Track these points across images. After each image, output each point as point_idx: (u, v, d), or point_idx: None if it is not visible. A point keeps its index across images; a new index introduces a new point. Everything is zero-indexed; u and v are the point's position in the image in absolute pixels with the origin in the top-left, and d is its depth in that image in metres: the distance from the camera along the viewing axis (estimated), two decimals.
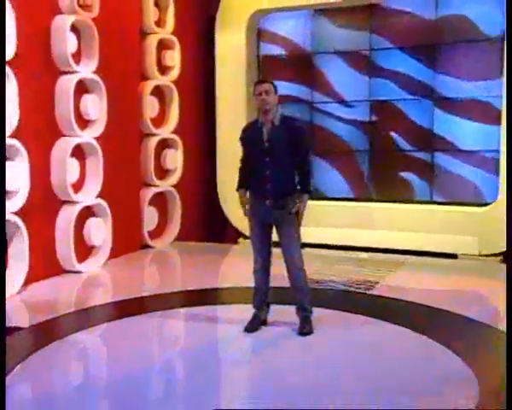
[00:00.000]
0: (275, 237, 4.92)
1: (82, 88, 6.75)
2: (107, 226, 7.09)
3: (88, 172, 6.94)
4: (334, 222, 7.89)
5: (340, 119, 8.42)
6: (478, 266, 7.35)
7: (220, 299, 6.17)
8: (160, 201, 8.19)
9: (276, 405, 3.78)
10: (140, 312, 5.50)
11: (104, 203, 7.01)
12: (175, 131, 8.29)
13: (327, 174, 8.46)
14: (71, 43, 6.53)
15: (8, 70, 5.76)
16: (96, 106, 6.86)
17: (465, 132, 7.84)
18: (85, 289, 6.60)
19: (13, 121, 5.87)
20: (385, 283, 6.45)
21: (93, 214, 6.99)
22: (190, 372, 4.42)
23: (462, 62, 7.77)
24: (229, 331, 5.11)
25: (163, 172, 8.24)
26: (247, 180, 4.93)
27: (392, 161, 8.31)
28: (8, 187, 5.86)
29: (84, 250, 6.92)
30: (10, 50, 5.80)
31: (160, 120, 8.14)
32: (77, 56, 6.69)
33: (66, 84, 6.52)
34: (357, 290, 6.16)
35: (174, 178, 8.34)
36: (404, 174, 8.22)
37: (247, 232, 8.50)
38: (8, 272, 5.98)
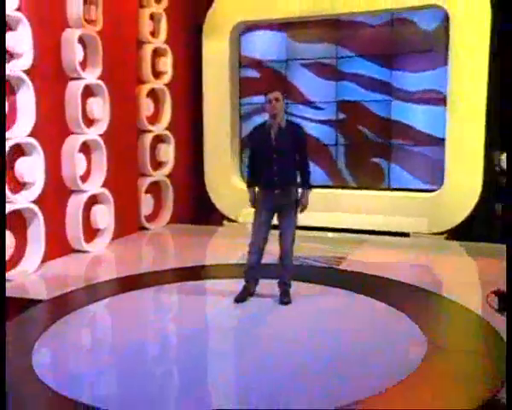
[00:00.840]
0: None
1: (88, 92, 6.72)
2: (110, 212, 7.06)
3: (93, 165, 6.90)
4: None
5: (310, 120, 8.39)
6: (427, 242, 7.39)
7: (209, 274, 6.10)
8: (155, 189, 8.17)
9: (259, 356, 4.01)
10: (140, 286, 5.49)
11: (107, 192, 7.00)
12: (168, 128, 8.25)
13: None
14: (78, 53, 6.51)
15: (25, 78, 5.77)
16: (100, 107, 6.83)
17: (418, 116, 7.89)
18: (93, 267, 6.57)
19: (30, 122, 5.85)
20: (350, 258, 6.48)
21: (98, 201, 6.98)
22: (186, 335, 4.46)
23: (412, 57, 7.84)
24: (219, 302, 5.12)
25: (157, 164, 8.20)
26: (255, 178, 4.99)
27: (362, 151, 8.28)
28: (26, 179, 5.89)
29: (90, 232, 6.90)
30: (27, 61, 5.81)
31: (154, 119, 8.11)
32: (83, 64, 6.67)
33: (74, 89, 6.51)
34: (327, 265, 6.18)
35: (167, 169, 8.32)
36: (375, 160, 8.21)
37: (231, 216, 8.79)
38: (27, 253, 5.99)
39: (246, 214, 8.10)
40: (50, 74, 6.30)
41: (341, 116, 8.37)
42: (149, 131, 8.01)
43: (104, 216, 7.03)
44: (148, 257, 7.37)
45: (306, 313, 4.84)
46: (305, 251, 6.37)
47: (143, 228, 8.03)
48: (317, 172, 8.05)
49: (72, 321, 4.73)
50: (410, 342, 4.21)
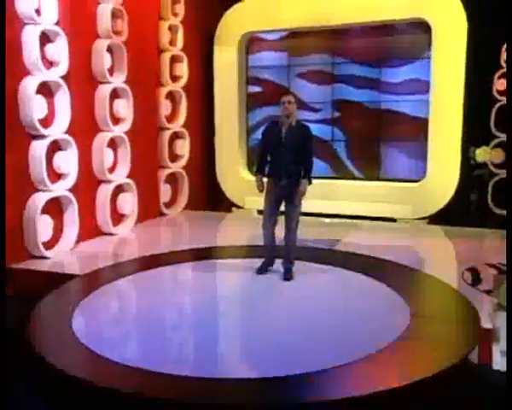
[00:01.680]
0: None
1: (115, 94, 6.77)
2: (133, 199, 7.12)
3: (119, 158, 6.95)
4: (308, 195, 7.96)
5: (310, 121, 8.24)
6: (411, 227, 7.44)
7: (220, 254, 6.09)
8: (172, 179, 8.19)
9: (263, 321, 4.15)
10: (162, 264, 5.55)
11: (131, 182, 7.05)
12: (184, 126, 8.25)
13: None
14: (106, 60, 6.56)
15: (62, 83, 5.84)
16: (125, 108, 6.88)
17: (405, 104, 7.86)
18: (119, 247, 6.61)
19: (66, 121, 5.93)
20: (344, 241, 6.53)
21: (123, 190, 7.04)
22: (202, 304, 4.54)
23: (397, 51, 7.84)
24: (232, 278, 5.20)
25: (174, 157, 8.21)
26: (263, 167, 5.08)
27: (356, 145, 8.29)
28: (62, 171, 5.98)
29: (117, 217, 6.96)
30: (64, 68, 5.87)
31: (172, 117, 8.11)
32: (111, 70, 6.71)
33: (103, 92, 6.56)
34: (324, 247, 6.24)
35: (183, 162, 8.33)
36: (367, 153, 8.17)
37: (239, 203, 8.89)
38: (63, 234, 6.08)
39: (250, 201, 8.29)
40: (83, 79, 6.37)
41: (336, 114, 8.38)
42: (167, 129, 8.04)
43: (128, 203, 7.10)
44: (166, 239, 7.39)
45: (306, 287, 4.92)
46: (305, 234, 6.26)
47: (162, 214, 8.07)
48: (316, 163, 8.09)
49: (104, 293, 4.82)
50: (395, 311, 4.29)
